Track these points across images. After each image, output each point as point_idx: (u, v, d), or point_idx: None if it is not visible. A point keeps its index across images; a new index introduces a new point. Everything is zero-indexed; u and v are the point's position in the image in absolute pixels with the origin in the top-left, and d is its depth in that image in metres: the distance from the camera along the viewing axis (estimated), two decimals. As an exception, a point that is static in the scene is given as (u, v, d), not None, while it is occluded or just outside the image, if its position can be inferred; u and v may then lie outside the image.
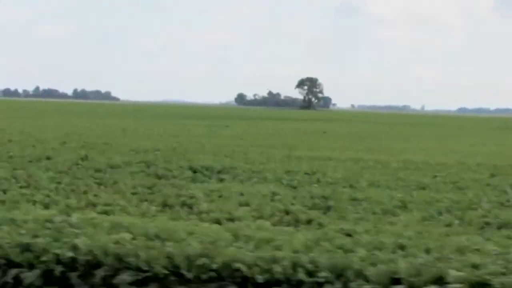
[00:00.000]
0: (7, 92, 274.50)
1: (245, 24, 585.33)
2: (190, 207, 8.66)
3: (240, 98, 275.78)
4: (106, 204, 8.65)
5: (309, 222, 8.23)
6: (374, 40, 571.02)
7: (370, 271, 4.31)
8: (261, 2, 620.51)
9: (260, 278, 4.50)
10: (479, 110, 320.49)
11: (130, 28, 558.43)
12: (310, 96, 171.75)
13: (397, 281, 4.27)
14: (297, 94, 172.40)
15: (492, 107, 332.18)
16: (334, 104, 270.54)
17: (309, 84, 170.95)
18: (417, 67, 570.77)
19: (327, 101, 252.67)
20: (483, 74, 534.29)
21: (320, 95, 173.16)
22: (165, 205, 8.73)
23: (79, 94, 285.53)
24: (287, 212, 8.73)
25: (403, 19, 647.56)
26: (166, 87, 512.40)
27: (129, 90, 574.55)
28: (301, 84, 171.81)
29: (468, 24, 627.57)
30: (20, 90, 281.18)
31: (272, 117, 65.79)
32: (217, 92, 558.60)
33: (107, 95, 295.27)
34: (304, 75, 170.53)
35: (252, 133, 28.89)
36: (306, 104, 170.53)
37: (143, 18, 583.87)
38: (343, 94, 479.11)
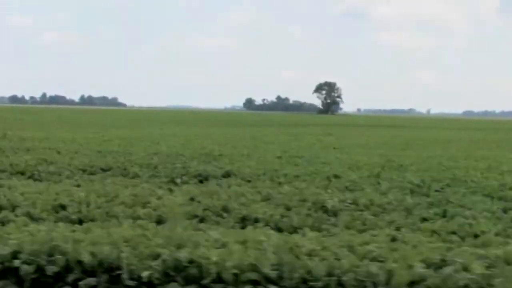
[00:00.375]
0: (14, 99, 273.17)
1: (248, 30, 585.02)
2: None
3: (249, 103, 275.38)
4: None
5: None
6: (378, 44, 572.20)
7: None
8: (265, 8, 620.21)
9: None
10: (485, 113, 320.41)
11: (134, 35, 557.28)
12: (329, 101, 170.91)
13: None
14: (305, 98, 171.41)
15: (498, 110, 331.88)
16: (340, 109, 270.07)
17: (328, 88, 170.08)
18: (421, 71, 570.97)
19: (335, 105, 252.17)
20: (488, 77, 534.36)
21: (338, 99, 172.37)
22: None
23: (86, 101, 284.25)
24: None
25: (407, 23, 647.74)
26: (168, 93, 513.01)
27: (134, 96, 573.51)
28: (319, 88, 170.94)
29: (472, 27, 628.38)
30: (27, 97, 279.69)
31: (334, 123, 64.60)
32: (219, 97, 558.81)
33: (113, 101, 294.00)
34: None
35: (379, 142, 27.80)
36: (324, 109, 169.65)
37: (147, 24, 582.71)
38: (347, 98, 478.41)
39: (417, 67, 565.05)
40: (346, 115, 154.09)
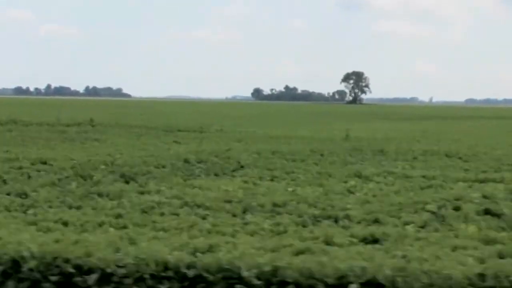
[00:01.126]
0: (19, 90, 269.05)
1: (250, 23, 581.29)
2: None
3: (257, 92, 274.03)
4: None
5: None
6: (379, 33, 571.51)
7: None
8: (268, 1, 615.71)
9: None
10: (487, 101, 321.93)
11: (137, 26, 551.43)
12: (357, 90, 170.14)
13: None
14: (313, 88, 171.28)
15: (500, 97, 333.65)
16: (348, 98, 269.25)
17: (355, 78, 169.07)
18: (423, 59, 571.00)
19: (342, 95, 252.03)
20: (490, 65, 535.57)
21: (366, 89, 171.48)
22: None
23: (91, 91, 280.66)
24: None
25: (408, 11, 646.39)
26: (171, 83, 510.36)
27: (138, 87, 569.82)
28: (347, 78, 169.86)
29: (475, 15, 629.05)
30: (31, 88, 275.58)
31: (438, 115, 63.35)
32: (219, 88, 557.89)
33: (118, 92, 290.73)
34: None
35: None
36: (352, 99, 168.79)
37: (151, 15, 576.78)
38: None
39: (418, 56, 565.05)
40: (378, 105, 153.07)
